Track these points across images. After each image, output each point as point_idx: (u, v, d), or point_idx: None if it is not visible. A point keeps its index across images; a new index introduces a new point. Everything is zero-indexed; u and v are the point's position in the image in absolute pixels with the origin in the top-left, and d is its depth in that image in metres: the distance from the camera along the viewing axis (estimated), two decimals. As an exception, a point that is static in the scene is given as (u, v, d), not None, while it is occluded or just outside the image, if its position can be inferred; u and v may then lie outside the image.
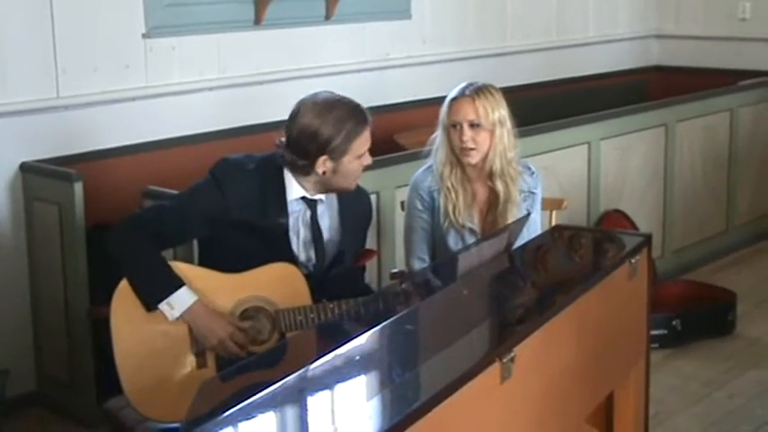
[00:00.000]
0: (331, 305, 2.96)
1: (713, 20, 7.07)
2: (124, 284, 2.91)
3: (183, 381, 2.88)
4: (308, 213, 3.15)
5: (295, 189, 3.11)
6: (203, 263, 3.13)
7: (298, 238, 3.14)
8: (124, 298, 2.90)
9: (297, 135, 3.05)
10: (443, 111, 3.48)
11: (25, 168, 4.30)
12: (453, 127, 3.44)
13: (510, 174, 3.47)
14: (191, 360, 2.93)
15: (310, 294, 3.04)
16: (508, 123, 3.47)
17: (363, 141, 3.10)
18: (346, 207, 3.24)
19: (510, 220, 3.43)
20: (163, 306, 2.89)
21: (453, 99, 3.46)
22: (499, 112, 3.43)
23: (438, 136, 3.52)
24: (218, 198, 3.03)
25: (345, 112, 3.07)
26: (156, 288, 2.90)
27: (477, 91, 3.43)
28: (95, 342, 4.10)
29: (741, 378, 4.53)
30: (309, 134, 3.04)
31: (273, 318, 2.98)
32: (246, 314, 2.99)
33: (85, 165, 4.34)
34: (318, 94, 3.13)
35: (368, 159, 3.15)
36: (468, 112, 3.41)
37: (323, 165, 3.06)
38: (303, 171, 3.09)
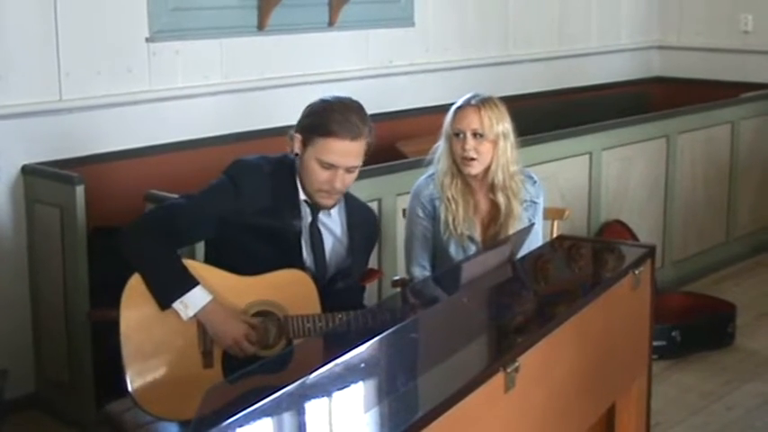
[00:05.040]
0: (339, 315, 2.95)
1: (715, 32, 7.08)
2: (134, 281, 2.89)
3: (189, 380, 2.87)
4: (310, 219, 3.14)
5: (301, 190, 3.11)
6: (209, 262, 3.11)
7: (306, 242, 3.13)
8: (134, 294, 2.89)
9: None
10: (447, 119, 3.48)
11: (27, 171, 4.30)
12: (456, 136, 3.43)
13: (512, 188, 3.47)
14: (197, 359, 2.92)
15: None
16: (512, 137, 3.46)
17: (328, 147, 3.01)
18: (354, 224, 3.22)
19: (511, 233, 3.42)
20: (177, 305, 2.88)
21: (458, 108, 3.46)
22: (503, 124, 3.43)
23: (441, 145, 3.52)
24: (233, 199, 3.02)
25: (338, 110, 3.04)
26: (170, 287, 2.89)
27: (483, 101, 3.43)
28: (95, 345, 4.09)
29: (740, 390, 4.54)
30: (305, 108, 3.12)
31: (282, 323, 2.98)
32: (256, 317, 2.97)
33: (87, 168, 4.34)
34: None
35: (336, 180, 3.02)
36: (472, 121, 3.41)
37: (297, 143, 3.08)
38: (290, 149, 3.11)
